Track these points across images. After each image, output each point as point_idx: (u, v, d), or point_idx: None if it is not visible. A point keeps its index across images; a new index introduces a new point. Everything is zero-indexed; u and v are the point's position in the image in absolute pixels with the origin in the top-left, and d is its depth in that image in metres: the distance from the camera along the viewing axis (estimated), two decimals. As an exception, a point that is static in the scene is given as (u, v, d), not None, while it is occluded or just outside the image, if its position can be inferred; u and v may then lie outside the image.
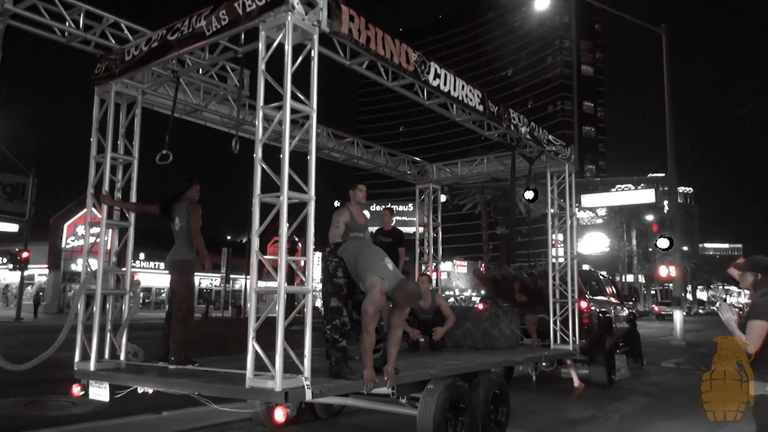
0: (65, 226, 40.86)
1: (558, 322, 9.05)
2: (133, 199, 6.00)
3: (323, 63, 4.71)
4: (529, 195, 10.00)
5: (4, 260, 37.13)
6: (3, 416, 6.86)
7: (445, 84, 6.23)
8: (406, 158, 10.62)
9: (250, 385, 4.17)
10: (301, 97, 4.48)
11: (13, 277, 37.18)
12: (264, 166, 4.41)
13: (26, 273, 32.12)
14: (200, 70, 6.48)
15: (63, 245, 40.81)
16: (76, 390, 5.42)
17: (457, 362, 6.24)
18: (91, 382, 5.35)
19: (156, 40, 5.30)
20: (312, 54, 4.55)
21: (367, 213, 6.65)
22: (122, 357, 5.68)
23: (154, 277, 42.03)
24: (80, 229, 38.83)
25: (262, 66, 4.48)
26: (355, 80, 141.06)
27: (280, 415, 4.19)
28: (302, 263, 4.54)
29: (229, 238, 52.39)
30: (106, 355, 5.70)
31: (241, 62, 5.43)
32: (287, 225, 4.33)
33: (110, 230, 6.03)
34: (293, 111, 4.45)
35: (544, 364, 8.95)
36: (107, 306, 5.89)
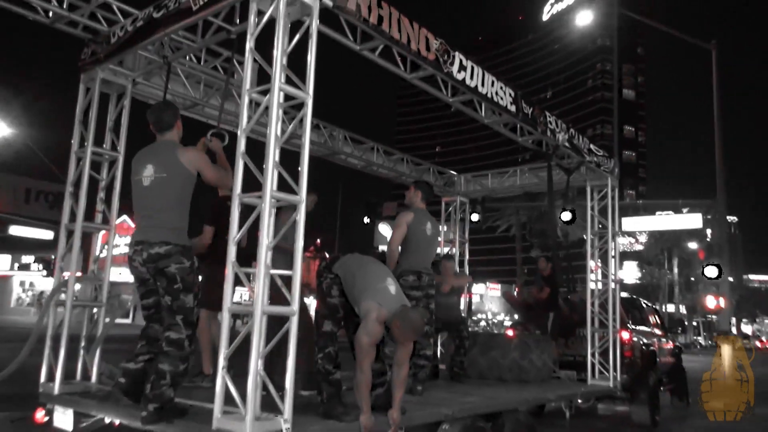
0: (100, 234, 41.07)
1: (597, 355, 8.10)
2: (116, 199, 5.38)
3: (337, 54, 4.02)
4: (566, 216, 9.04)
5: (40, 267, 37.50)
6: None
7: (471, 78, 5.42)
8: (432, 168, 9.80)
9: (216, 426, 3.40)
10: (296, 80, 3.77)
11: (48, 285, 37.51)
12: (247, 161, 3.71)
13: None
14: (201, 61, 5.88)
15: (96, 253, 41.06)
16: (39, 415, 4.70)
17: (478, 399, 5.38)
18: (56, 406, 4.67)
19: (141, 19, 4.67)
20: (310, 31, 3.85)
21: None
22: (93, 379, 4.98)
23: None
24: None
25: (250, 43, 3.79)
26: (393, 91, 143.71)
27: (249, 464, 3.41)
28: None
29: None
30: (78, 376, 5.03)
31: (233, 45, 4.77)
32: (271, 232, 3.59)
33: (91, 234, 5.44)
34: (287, 98, 3.75)
35: (579, 401, 8.05)
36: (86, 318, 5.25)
